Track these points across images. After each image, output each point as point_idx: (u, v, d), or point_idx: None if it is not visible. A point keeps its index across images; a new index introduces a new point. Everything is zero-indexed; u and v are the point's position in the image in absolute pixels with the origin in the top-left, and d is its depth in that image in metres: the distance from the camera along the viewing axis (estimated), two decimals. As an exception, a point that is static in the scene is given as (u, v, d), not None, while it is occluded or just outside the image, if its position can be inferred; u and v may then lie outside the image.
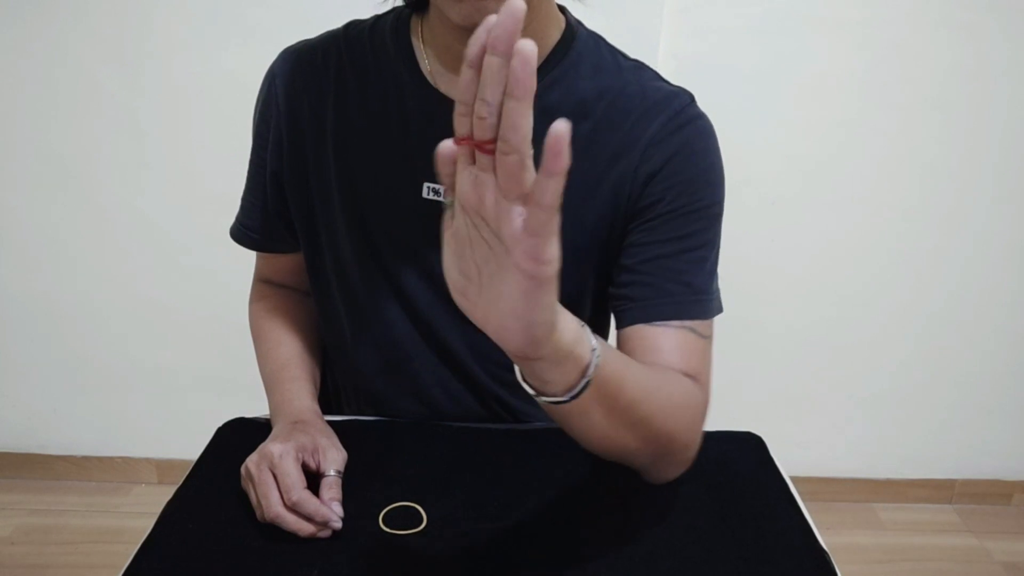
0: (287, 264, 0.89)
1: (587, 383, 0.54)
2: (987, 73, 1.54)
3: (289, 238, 0.85)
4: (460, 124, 0.43)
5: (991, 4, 1.49)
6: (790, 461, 0.78)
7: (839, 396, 1.83)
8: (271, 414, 0.79)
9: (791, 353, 1.78)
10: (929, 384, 1.81)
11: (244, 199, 0.87)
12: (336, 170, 0.77)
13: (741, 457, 0.77)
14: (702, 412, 0.69)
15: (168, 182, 1.61)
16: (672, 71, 0.79)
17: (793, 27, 1.50)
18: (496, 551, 0.63)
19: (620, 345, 0.73)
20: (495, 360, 0.81)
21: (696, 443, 0.68)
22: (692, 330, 0.71)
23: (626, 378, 0.59)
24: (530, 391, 0.56)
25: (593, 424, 0.60)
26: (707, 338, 0.73)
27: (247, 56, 1.45)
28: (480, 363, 0.81)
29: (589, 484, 0.72)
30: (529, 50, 0.39)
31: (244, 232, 0.87)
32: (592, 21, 0.81)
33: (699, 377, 0.70)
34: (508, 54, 0.39)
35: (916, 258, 1.69)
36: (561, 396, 0.54)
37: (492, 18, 0.39)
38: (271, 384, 0.82)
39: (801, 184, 1.62)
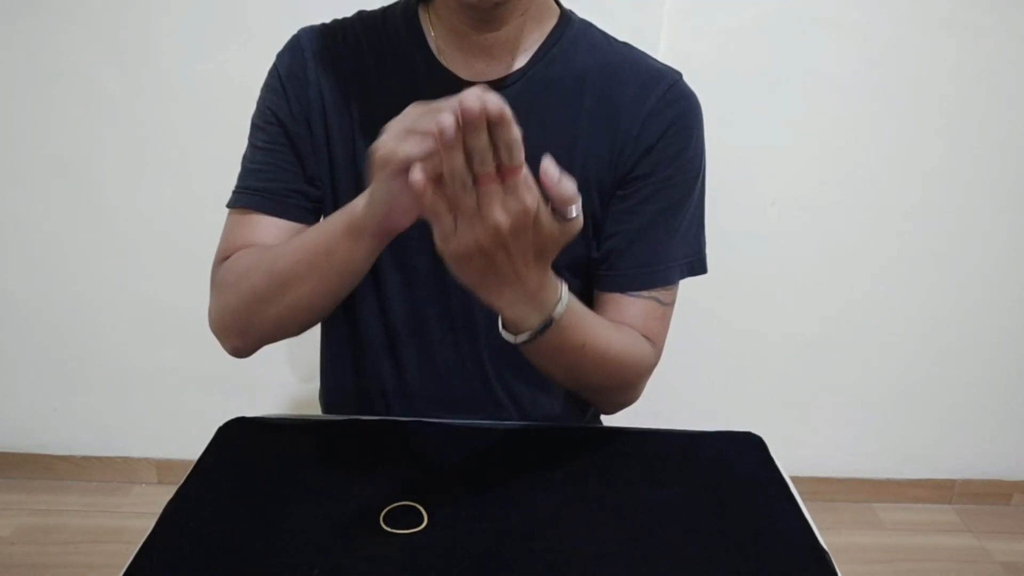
0: (286, 233, 0.81)
1: (563, 305, 0.64)
2: (990, 73, 1.54)
3: (307, 204, 0.81)
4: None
5: (993, 4, 1.49)
6: (790, 461, 0.78)
7: (839, 396, 1.83)
8: (340, 217, 0.67)
9: (791, 353, 1.78)
10: (929, 384, 1.81)
11: (263, 163, 0.81)
12: (362, 144, 0.78)
13: (741, 457, 0.77)
14: (651, 364, 0.81)
15: (167, 182, 1.61)
16: (672, 71, 0.79)
17: (793, 27, 1.50)
18: (496, 551, 0.63)
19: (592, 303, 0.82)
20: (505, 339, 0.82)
21: (641, 387, 0.82)
22: (656, 299, 0.81)
23: (592, 318, 0.72)
24: (511, 336, 0.66)
25: (566, 360, 0.71)
26: (668, 305, 0.83)
27: (246, 56, 1.45)
28: (490, 340, 0.83)
29: (589, 484, 0.72)
30: (493, 97, 0.50)
31: (276, 198, 0.80)
32: (593, 21, 0.82)
33: (655, 340, 0.82)
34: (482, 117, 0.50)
35: (917, 258, 1.69)
36: (538, 325, 0.64)
37: (444, 120, 0.50)
38: (310, 242, 0.70)
39: (802, 184, 1.62)
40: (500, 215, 0.54)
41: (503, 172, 0.52)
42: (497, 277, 0.59)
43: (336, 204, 0.81)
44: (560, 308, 0.64)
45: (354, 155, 0.80)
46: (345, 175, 0.81)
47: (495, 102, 0.49)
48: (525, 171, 0.53)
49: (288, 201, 0.81)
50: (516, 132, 0.51)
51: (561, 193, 0.54)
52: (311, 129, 0.80)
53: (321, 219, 0.81)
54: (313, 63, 0.80)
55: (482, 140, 0.51)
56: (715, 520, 0.67)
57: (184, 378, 1.78)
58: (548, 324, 0.65)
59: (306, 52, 0.80)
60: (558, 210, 0.56)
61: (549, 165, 0.53)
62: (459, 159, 0.51)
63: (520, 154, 0.52)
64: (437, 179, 0.53)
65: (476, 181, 0.53)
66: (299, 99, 0.80)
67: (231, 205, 0.82)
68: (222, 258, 0.81)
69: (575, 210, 0.56)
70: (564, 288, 0.65)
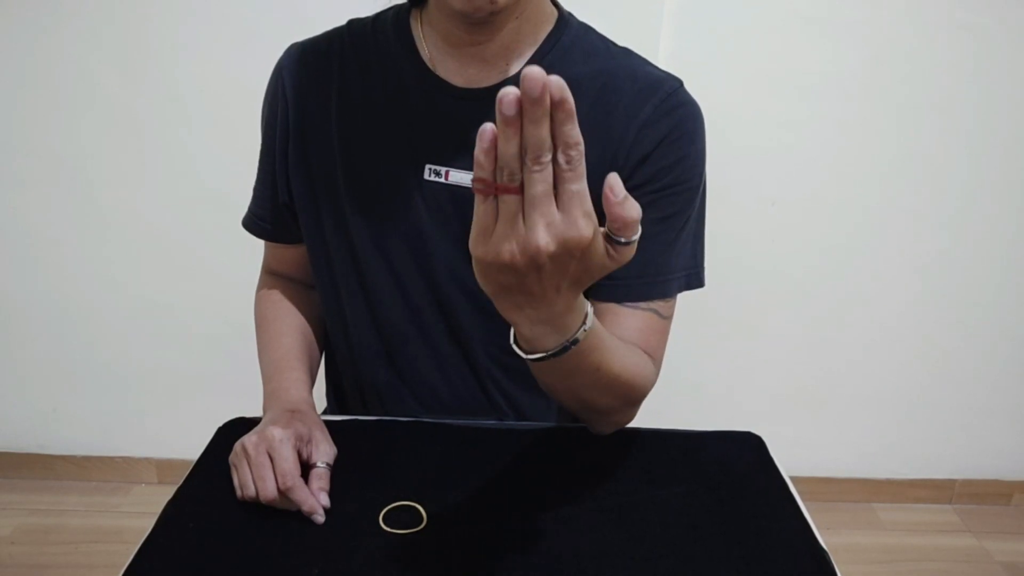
0: (293, 255, 0.91)
1: (585, 330, 0.58)
2: (990, 73, 1.54)
3: (296, 229, 0.86)
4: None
5: (993, 4, 1.49)
6: (790, 461, 0.78)
7: (839, 396, 1.83)
8: (266, 400, 0.80)
9: (791, 353, 1.78)
10: (929, 384, 1.81)
11: (255, 190, 0.89)
12: (340, 156, 0.79)
13: (741, 457, 0.77)
14: (652, 384, 0.77)
15: (168, 182, 1.61)
16: (672, 71, 0.79)
17: (793, 27, 1.50)
18: (496, 551, 0.63)
19: None
20: (499, 344, 0.82)
21: (638, 408, 0.77)
22: (656, 312, 0.78)
23: (610, 342, 0.66)
24: (522, 352, 0.60)
25: (575, 381, 0.65)
26: (667, 319, 0.79)
27: (247, 57, 1.46)
28: (484, 345, 0.83)
29: (589, 484, 0.72)
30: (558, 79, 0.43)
31: (255, 221, 0.89)
32: (592, 22, 0.81)
33: (654, 355, 0.78)
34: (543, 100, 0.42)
35: (916, 259, 1.69)
36: (555, 347, 0.58)
37: (508, 92, 0.43)
38: (270, 372, 0.83)
39: (801, 185, 1.62)
40: (544, 237, 0.47)
41: (556, 177, 0.46)
42: (522, 296, 0.52)
43: (319, 221, 0.82)
44: (582, 333, 0.58)
45: (334, 170, 0.79)
46: (326, 189, 0.80)
47: (557, 81, 0.43)
48: (584, 188, 0.46)
49: (288, 237, 0.89)
50: (576, 130, 0.44)
51: (623, 215, 0.48)
52: (294, 150, 0.81)
53: (304, 236, 0.85)
54: (290, 84, 0.80)
55: (541, 131, 0.44)
56: (715, 520, 0.67)
57: (184, 378, 1.78)
58: (566, 348, 0.58)
59: (283, 73, 0.81)
60: (615, 234, 0.49)
61: (615, 182, 0.47)
62: (512, 144, 0.44)
63: (579, 157, 0.45)
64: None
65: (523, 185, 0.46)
66: (278, 123, 0.82)
67: (242, 224, 0.91)
68: (263, 271, 0.95)
69: (634, 235, 0.49)
70: (590, 312, 0.59)
